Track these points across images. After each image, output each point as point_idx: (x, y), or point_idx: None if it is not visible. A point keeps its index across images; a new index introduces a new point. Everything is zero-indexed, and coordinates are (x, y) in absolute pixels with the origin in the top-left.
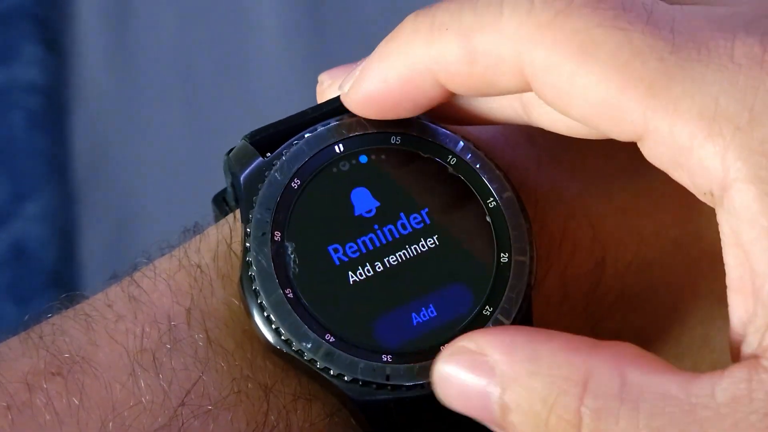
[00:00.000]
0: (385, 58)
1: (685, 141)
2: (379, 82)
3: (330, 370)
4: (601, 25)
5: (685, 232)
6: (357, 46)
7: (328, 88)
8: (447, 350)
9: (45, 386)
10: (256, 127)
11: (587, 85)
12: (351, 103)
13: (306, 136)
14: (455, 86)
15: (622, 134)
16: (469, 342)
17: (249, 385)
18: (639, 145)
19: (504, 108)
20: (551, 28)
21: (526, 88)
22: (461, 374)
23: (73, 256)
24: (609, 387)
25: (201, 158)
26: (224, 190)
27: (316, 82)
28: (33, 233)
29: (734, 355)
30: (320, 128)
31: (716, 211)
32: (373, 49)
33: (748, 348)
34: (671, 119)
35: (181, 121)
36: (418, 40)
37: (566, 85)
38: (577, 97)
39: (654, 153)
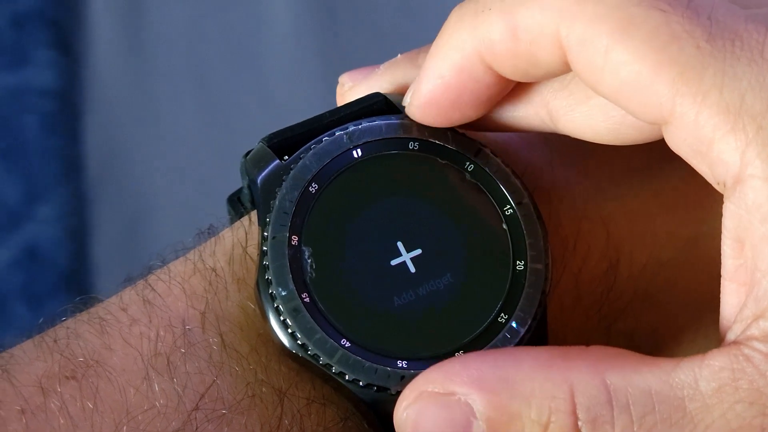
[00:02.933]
0: (437, 54)
1: (709, 132)
2: (436, 79)
3: (345, 374)
4: (641, 4)
5: (699, 232)
6: (371, 43)
7: (349, 90)
8: (407, 397)
9: (59, 390)
10: (273, 130)
11: (621, 62)
12: (415, 111)
13: (324, 139)
14: (503, 67)
15: (648, 115)
16: (431, 385)
17: (263, 389)
18: (663, 128)
19: (530, 116)
20: (590, 2)
21: (566, 69)
22: (433, 417)
23: (86, 257)
24: (597, 396)
25: (214, 159)
26: (239, 190)
27: (329, 80)
28: (46, 235)
29: (720, 340)
30: (338, 132)
31: (724, 201)
32: (388, 47)
33: (732, 334)
34: (698, 108)
35: (194, 123)
36: (464, 26)
37: (600, 60)
38: (609, 73)
39: (676, 138)
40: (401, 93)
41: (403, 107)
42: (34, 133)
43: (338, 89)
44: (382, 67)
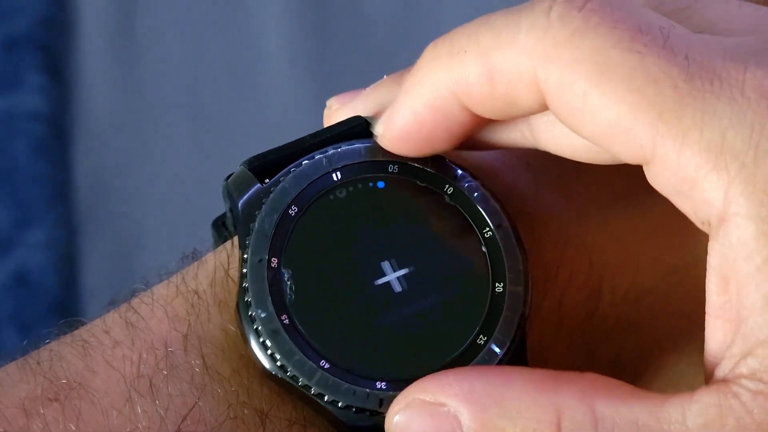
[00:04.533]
0: (411, 90)
1: (691, 171)
2: (409, 115)
3: (324, 396)
4: (617, 46)
5: (682, 260)
6: (363, 65)
7: (335, 112)
8: (400, 402)
9: (42, 412)
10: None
11: (600, 105)
12: (387, 143)
13: (304, 163)
14: (479, 108)
15: (629, 156)
16: (423, 393)
17: (245, 411)
18: (644, 168)
19: (511, 131)
20: (568, 46)
21: (544, 108)
22: (420, 425)
23: (76, 283)
24: (582, 423)
25: (205, 185)
26: (224, 215)
27: (323, 103)
28: (36, 261)
29: (707, 377)
30: (318, 156)
31: (710, 239)
32: (380, 69)
33: (720, 372)
34: (680, 148)
35: (185, 149)
36: (439, 66)
37: (579, 104)
38: (589, 116)
39: (658, 178)
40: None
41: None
42: (25, 157)
43: (325, 112)
44: (368, 89)
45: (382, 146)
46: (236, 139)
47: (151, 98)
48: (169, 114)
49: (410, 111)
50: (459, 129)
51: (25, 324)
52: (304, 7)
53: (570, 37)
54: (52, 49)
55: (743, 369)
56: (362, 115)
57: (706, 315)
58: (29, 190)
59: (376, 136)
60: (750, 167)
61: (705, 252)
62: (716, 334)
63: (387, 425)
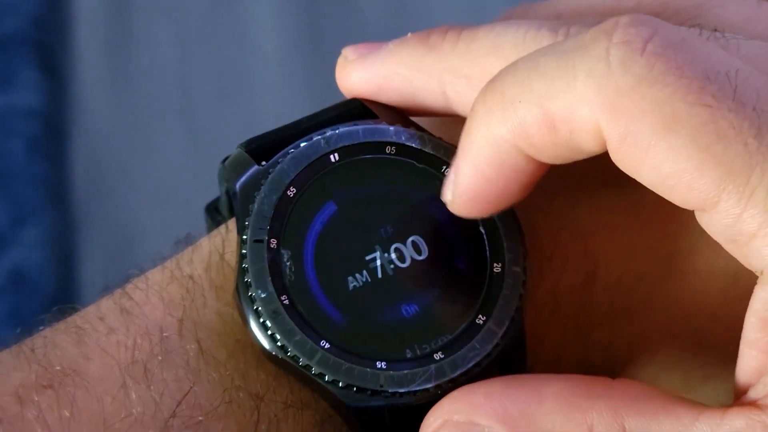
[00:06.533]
0: (470, 150)
1: (752, 228)
2: (474, 176)
3: (325, 376)
4: (685, 99)
5: (677, 247)
6: None
7: (351, 62)
8: (430, 425)
9: (36, 399)
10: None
11: (665, 159)
12: (458, 208)
13: (302, 144)
14: (542, 155)
15: (684, 203)
16: (456, 414)
17: (240, 394)
18: (697, 213)
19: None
20: (633, 97)
21: (603, 150)
22: None
23: (74, 281)
24: None
25: (201, 182)
26: (217, 199)
27: (316, 103)
28: (32, 259)
29: (737, 396)
30: (316, 137)
31: (757, 285)
32: None
33: (754, 394)
34: (744, 206)
35: (181, 145)
36: (494, 120)
37: (642, 155)
38: (651, 167)
39: (714, 225)
40: (378, 98)
41: (442, 198)
42: (20, 155)
43: (339, 60)
44: (391, 44)
45: (455, 213)
46: (231, 136)
47: (146, 95)
48: (165, 111)
49: (475, 170)
50: (527, 178)
51: (22, 322)
52: (297, 6)
53: (635, 86)
54: (47, 46)
55: None
56: (379, 70)
57: (741, 343)
58: (25, 188)
59: (446, 203)
60: None
61: (699, 238)
62: (750, 361)
63: None
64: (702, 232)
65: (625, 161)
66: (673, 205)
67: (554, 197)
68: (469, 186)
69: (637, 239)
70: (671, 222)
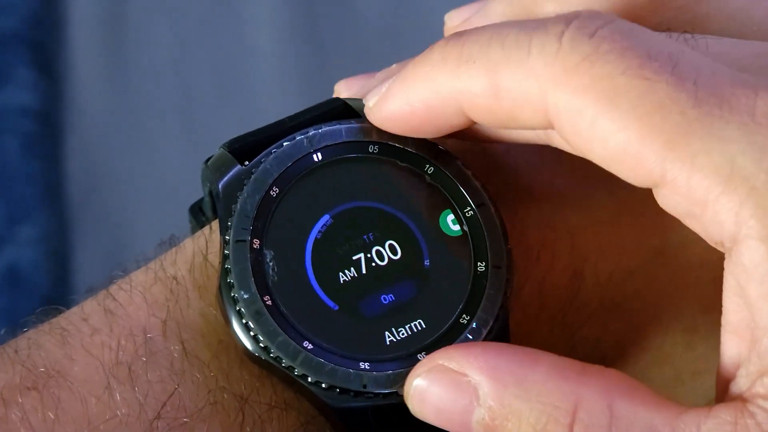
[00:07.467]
0: (411, 82)
1: (701, 194)
2: (403, 105)
3: (308, 377)
4: (626, 73)
5: (667, 241)
6: (353, 64)
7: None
8: (423, 366)
9: (20, 401)
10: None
11: (608, 131)
12: (374, 119)
13: (284, 144)
14: (479, 117)
15: (638, 180)
16: (448, 361)
17: (225, 395)
18: (654, 191)
19: (525, 131)
20: (577, 72)
21: (548, 126)
22: (440, 391)
23: (68, 280)
24: (598, 418)
25: (196, 181)
26: (201, 200)
27: (311, 102)
28: (27, 258)
29: (720, 390)
30: (299, 137)
31: (724, 260)
32: (369, 68)
33: (736, 388)
34: (689, 173)
35: (176, 144)
36: (445, 69)
37: (587, 130)
38: (597, 142)
39: (668, 201)
40: (361, 97)
41: (361, 108)
42: (15, 154)
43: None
44: (377, 76)
45: (369, 119)
46: (227, 135)
47: (141, 94)
48: (161, 110)
49: (405, 101)
50: (449, 127)
51: (16, 321)
52: (294, 6)
53: (580, 62)
54: (42, 45)
55: (760, 388)
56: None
57: (721, 329)
58: (20, 187)
59: (365, 107)
60: (761, 190)
61: (691, 233)
62: (731, 349)
63: (406, 387)
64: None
65: (573, 138)
66: None
67: (541, 196)
68: (392, 109)
69: (626, 235)
70: (661, 217)
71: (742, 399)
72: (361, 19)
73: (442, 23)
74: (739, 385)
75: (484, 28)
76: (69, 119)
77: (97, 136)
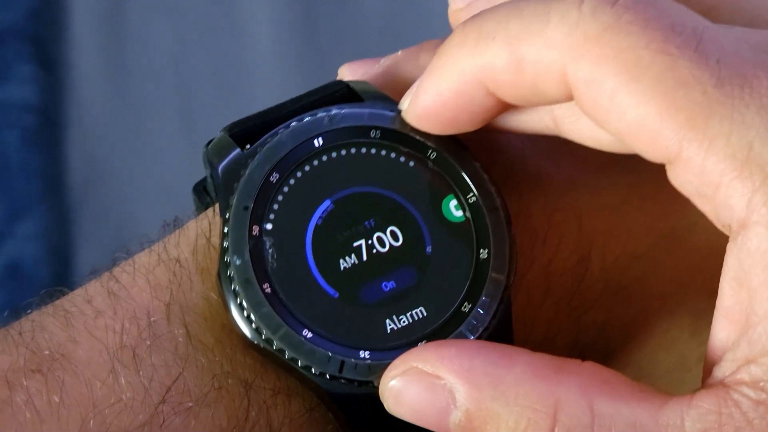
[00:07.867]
0: (437, 72)
1: (715, 177)
2: (434, 96)
3: (310, 367)
4: (649, 47)
5: (676, 226)
6: (352, 59)
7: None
8: (397, 368)
9: (25, 384)
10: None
11: (627, 104)
12: (411, 119)
13: (284, 129)
14: (504, 94)
15: (652, 155)
16: (423, 363)
17: (229, 381)
18: (667, 167)
19: (534, 121)
20: (598, 43)
21: (570, 99)
22: (415, 393)
23: (69, 274)
24: (580, 419)
25: (196, 174)
26: (205, 179)
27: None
28: (28, 252)
29: (706, 372)
30: (299, 122)
31: (729, 242)
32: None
33: (719, 372)
34: (705, 154)
35: (176, 138)
36: (466, 50)
37: (606, 101)
38: (615, 114)
39: (681, 179)
40: (365, 80)
41: (398, 111)
42: (16, 149)
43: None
44: (382, 61)
45: (407, 121)
46: None
47: (141, 88)
48: (160, 104)
49: (436, 92)
50: (483, 112)
51: (18, 316)
52: (293, 3)
53: (601, 33)
54: (42, 40)
55: (745, 375)
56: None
57: (715, 311)
58: (21, 182)
59: (401, 111)
60: None
61: (699, 218)
62: (722, 333)
63: (381, 387)
64: (701, 211)
65: (591, 108)
66: (671, 185)
67: (549, 179)
68: (426, 104)
69: (634, 219)
70: (669, 201)
71: (723, 385)
72: (359, 17)
73: (441, 15)
74: (723, 369)
75: (500, 5)
76: (69, 113)
77: (97, 131)
